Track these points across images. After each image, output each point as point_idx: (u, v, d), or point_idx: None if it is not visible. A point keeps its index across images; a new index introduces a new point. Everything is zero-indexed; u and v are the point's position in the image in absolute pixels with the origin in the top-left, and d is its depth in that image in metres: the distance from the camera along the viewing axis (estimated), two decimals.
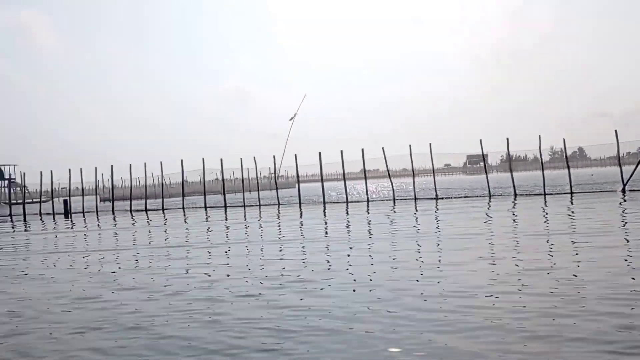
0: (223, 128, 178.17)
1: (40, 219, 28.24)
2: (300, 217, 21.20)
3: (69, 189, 37.87)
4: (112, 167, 35.51)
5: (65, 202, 29.86)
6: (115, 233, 17.61)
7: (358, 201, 31.66)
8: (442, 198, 28.23)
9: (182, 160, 35.83)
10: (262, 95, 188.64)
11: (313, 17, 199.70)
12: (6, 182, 53.76)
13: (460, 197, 28.55)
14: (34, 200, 53.25)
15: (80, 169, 36.42)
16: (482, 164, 65.25)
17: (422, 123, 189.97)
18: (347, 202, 31.05)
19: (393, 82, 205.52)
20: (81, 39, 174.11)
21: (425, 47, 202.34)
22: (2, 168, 55.43)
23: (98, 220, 25.18)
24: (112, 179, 34.21)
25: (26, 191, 58.86)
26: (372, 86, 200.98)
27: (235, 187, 58.85)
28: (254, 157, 36.13)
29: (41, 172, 41.59)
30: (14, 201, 53.05)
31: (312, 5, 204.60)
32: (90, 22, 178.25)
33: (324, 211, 23.91)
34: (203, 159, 39.47)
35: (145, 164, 36.46)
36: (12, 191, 50.75)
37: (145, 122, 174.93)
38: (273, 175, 51.53)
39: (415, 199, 28.82)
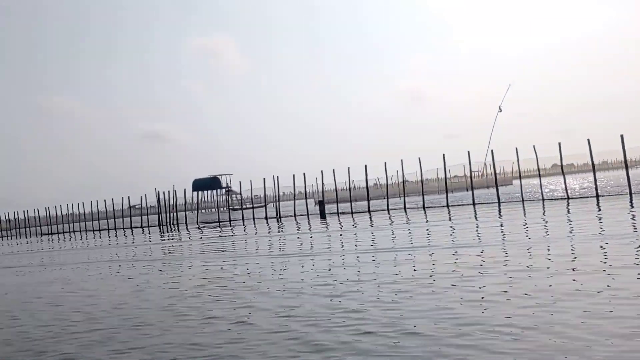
0: (399, 130, 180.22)
1: (295, 220, 32.38)
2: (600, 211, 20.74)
3: (276, 195, 42.54)
4: (365, 166, 37.23)
5: (320, 202, 33.50)
6: (452, 229, 18.96)
7: (586, 197, 30.67)
8: None
9: (385, 163, 37.46)
10: (437, 95, 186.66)
11: (488, 10, 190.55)
12: (224, 190, 61.69)
13: None
14: (248, 206, 60.37)
15: (312, 174, 40.77)
16: None
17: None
18: (568, 198, 30.21)
19: (578, 70, 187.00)
20: (262, 57, 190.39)
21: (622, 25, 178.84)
22: (220, 177, 63.82)
23: (353, 220, 28.18)
24: (366, 179, 36.57)
25: (240, 198, 66.87)
26: (556, 75, 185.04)
27: (430, 188, 60.20)
28: (469, 152, 36.55)
29: (251, 181, 47.54)
30: (233, 207, 60.78)
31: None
32: (270, 39, 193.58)
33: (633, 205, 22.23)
34: (402, 160, 40.80)
35: (349, 168, 39.51)
36: (230, 198, 58.04)
37: (324, 129, 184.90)
38: (475, 173, 51.87)
39: None
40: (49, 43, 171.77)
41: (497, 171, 55.40)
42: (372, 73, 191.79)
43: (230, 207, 57.69)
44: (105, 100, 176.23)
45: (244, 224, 34.46)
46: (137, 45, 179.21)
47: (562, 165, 34.37)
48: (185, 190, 51.67)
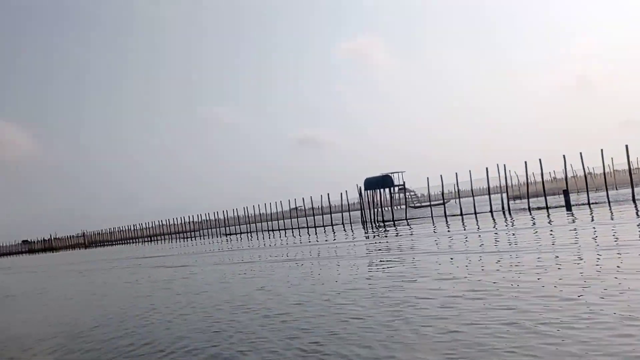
0: (563, 118, 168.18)
1: (530, 214, 31.30)
2: None
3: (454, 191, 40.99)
4: (627, 146, 33.37)
5: (565, 192, 32.30)
6: None
7: None
8: None
9: (581, 153, 34.98)
10: (609, 80, 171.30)
11: None
12: (396, 188, 62.09)
13: None
14: (425, 204, 60.14)
15: (490, 169, 39.22)
16: None
17: None
18: None
19: None
20: (411, 53, 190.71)
21: None
22: (391, 175, 64.25)
23: (611, 211, 26.39)
24: (629, 161, 33.68)
25: (415, 195, 66.95)
26: None
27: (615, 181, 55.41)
28: None
29: (427, 178, 46.98)
30: (411, 205, 61.15)
31: None
32: (417, 34, 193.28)
33: None
34: (627, 146, 37.64)
35: (540, 160, 36.74)
36: (406, 196, 58.23)
37: (489, 118, 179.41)
38: None
39: None
40: (208, 55, 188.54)
41: None
42: (536, 59, 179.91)
43: (410, 205, 57.92)
44: (260, 109, 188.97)
45: (446, 220, 34.09)
46: (289, 54, 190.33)
47: None
48: (346, 191, 51.09)
